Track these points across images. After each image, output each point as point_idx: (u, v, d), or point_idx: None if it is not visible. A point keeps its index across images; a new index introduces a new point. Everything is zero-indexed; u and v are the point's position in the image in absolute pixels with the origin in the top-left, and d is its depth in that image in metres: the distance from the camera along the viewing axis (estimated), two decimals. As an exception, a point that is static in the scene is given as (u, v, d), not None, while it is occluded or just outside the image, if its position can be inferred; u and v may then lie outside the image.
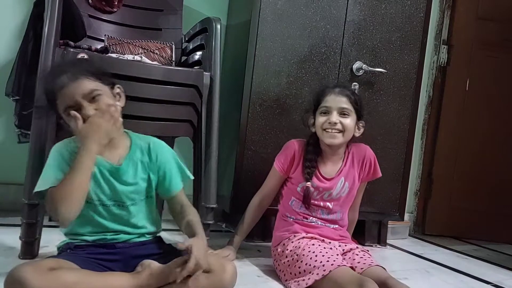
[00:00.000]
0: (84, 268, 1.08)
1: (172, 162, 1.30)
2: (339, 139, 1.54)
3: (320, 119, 1.56)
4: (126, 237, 1.22)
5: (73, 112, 1.13)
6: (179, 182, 1.30)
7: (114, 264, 1.15)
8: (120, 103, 1.23)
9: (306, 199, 1.56)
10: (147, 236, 1.26)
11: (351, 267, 1.40)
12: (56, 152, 1.18)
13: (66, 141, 1.21)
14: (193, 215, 1.25)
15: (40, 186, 1.12)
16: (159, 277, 1.10)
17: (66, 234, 1.22)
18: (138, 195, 1.24)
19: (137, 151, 1.25)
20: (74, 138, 1.19)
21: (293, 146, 1.62)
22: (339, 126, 1.53)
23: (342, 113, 1.54)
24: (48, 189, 1.10)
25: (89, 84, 1.15)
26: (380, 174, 1.69)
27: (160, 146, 1.30)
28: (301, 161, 1.59)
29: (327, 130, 1.54)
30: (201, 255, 1.08)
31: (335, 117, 1.53)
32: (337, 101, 1.54)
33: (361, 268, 1.41)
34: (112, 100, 1.18)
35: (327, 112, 1.55)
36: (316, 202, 1.58)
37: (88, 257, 1.13)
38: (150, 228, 1.27)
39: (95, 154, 1.12)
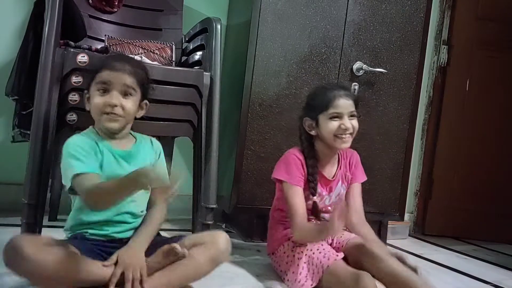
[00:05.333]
0: (85, 254, 1.14)
1: (163, 163, 1.38)
2: (349, 142, 1.53)
3: (332, 125, 1.50)
4: (128, 226, 1.27)
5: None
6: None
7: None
8: (138, 113, 1.33)
9: (315, 212, 1.55)
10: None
11: (345, 257, 1.45)
12: (83, 143, 1.22)
13: (84, 133, 1.28)
14: (153, 216, 1.31)
15: (81, 168, 1.16)
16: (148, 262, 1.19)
17: (72, 228, 1.25)
18: None
19: (142, 142, 1.35)
20: (91, 130, 1.29)
21: (298, 156, 1.54)
22: (351, 130, 1.51)
23: (351, 115, 1.52)
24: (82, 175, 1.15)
25: (132, 82, 1.25)
26: (365, 178, 1.68)
27: (160, 146, 1.40)
28: (304, 172, 1.54)
29: (339, 136, 1.50)
30: (129, 264, 1.14)
31: (348, 122, 1.50)
32: (347, 105, 1.51)
33: (345, 244, 1.51)
34: (135, 106, 1.28)
35: (338, 117, 1.50)
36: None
37: (93, 247, 1.19)
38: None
39: (140, 189, 1.13)
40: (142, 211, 1.31)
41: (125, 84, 1.24)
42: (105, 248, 1.21)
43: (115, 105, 1.22)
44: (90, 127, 1.30)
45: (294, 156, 1.54)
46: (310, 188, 1.54)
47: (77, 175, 1.15)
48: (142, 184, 1.05)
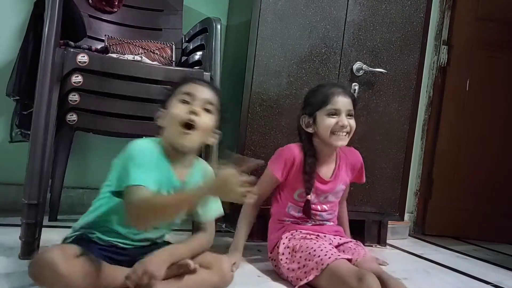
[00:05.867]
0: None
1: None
2: (346, 140, 1.54)
3: (328, 121, 1.52)
4: (137, 244, 1.24)
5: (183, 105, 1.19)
6: (213, 212, 1.37)
7: (121, 262, 1.19)
8: (209, 140, 1.27)
9: (307, 211, 1.56)
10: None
11: (349, 259, 1.42)
12: (151, 152, 1.18)
13: (152, 142, 1.21)
14: (197, 237, 1.34)
15: (138, 180, 1.10)
16: None
17: (87, 225, 1.22)
18: None
19: (196, 171, 1.29)
20: (160, 140, 1.22)
21: (293, 152, 1.57)
22: (347, 129, 1.52)
23: (349, 114, 1.53)
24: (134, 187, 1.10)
25: (214, 100, 1.24)
26: (364, 180, 1.74)
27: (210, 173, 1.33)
28: (298, 168, 1.56)
29: (336, 132, 1.52)
30: (150, 265, 1.11)
31: (345, 120, 1.51)
32: (345, 103, 1.52)
33: (356, 259, 1.44)
34: (213, 124, 1.24)
35: (335, 114, 1.52)
36: (313, 206, 1.58)
37: (100, 251, 1.17)
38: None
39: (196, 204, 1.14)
40: (158, 238, 1.29)
41: (208, 100, 1.22)
42: (110, 253, 1.19)
43: (196, 113, 1.18)
44: (159, 138, 1.23)
45: (289, 153, 1.57)
46: (305, 188, 1.54)
47: (133, 186, 1.09)
48: (197, 205, 1.10)
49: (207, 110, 1.22)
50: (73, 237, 1.22)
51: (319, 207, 1.59)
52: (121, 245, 1.22)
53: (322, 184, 1.58)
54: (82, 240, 1.19)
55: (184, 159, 1.25)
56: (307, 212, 1.56)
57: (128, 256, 1.20)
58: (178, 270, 1.19)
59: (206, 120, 1.21)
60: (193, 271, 1.19)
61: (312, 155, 1.56)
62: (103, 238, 1.21)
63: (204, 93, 1.23)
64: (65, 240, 1.23)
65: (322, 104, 1.53)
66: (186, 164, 1.26)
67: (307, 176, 1.54)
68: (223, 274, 1.26)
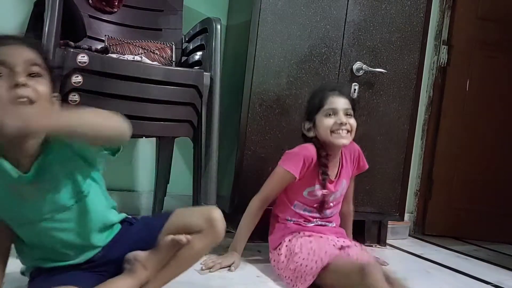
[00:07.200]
0: (87, 282, 1.04)
1: None
2: (348, 139, 1.55)
3: (327, 122, 1.54)
4: (94, 252, 1.11)
5: None
6: None
7: (107, 268, 1.12)
8: (51, 107, 0.97)
9: (322, 206, 1.58)
10: (113, 229, 1.15)
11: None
12: None
13: None
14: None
15: None
16: (154, 264, 1.08)
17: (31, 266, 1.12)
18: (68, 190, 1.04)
19: (53, 157, 0.99)
20: None
21: (311, 151, 1.56)
22: (347, 126, 1.54)
23: (347, 113, 1.55)
24: None
25: (35, 57, 0.93)
26: (367, 166, 1.73)
27: None
28: (312, 167, 1.56)
29: (336, 131, 1.53)
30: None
31: (343, 117, 1.53)
32: (342, 102, 1.55)
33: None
34: (48, 89, 0.94)
35: (333, 114, 1.54)
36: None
37: (72, 276, 1.07)
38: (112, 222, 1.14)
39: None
40: (84, 241, 1.08)
41: (29, 61, 0.92)
42: (88, 270, 1.09)
43: (23, 84, 0.88)
44: None
45: (307, 153, 1.55)
46: (322, 181, 1.55)
47: None
48: None
49: (34, 75, 0.92)
50: (31, 271, 1.11)
51: (326, 206, 1.61)
52: (77, 260, 1.08)
53: (329, 183, 1.60)
54: (43, 279, 1.06)
55: (22, 149, 0.93)
56: (322, 207, 1.57)
57: (105, 258, 1.11)
58: (170, 251, 1.08)
59: (41, 87, 0.91)
60: (186, 244, 1.07)
61: (324, 150, 1.57)
62: (61, 265, 1.07)
63: (20, 54, 0.91)
64: (24, 273, 1.14)
65: (319, 106, 1.56)
66: (28, 153, 0.95)
67: (323, 168, 1.55)
68: (217, 236, 1.12)
